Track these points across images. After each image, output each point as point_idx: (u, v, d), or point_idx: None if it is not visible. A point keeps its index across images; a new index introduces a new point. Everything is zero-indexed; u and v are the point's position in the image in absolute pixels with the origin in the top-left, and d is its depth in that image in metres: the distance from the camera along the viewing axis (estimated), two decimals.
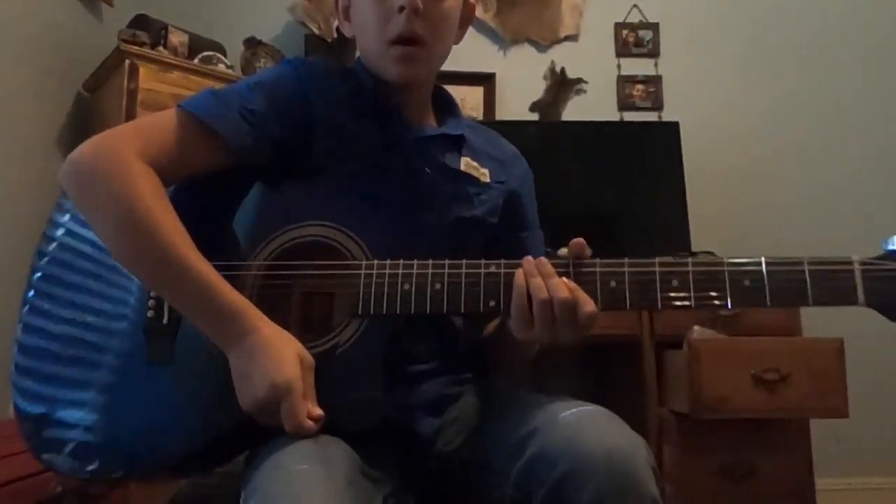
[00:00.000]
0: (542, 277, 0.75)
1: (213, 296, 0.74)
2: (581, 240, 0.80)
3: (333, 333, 0.78)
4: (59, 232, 0.90)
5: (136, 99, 2.00)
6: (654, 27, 2.75)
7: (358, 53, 0.98)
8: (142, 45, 2.08)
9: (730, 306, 0.74)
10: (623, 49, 2.75)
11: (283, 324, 0.76)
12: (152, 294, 0.82)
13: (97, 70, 2.20)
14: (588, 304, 0.74)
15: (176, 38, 2.24)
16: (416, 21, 0.87)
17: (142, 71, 2.03)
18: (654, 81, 2.71)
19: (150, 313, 0.81)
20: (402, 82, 0.91)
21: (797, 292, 0.72)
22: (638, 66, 2.73)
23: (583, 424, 0.69)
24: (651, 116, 2.67)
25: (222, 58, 2.32)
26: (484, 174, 0.97)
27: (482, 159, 0.99)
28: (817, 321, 1.88)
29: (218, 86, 2.23)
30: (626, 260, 0.79)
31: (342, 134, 0.89)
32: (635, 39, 2.75)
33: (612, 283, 0.77)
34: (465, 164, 0.96)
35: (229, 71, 2.28)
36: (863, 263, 0.72)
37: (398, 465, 0.82)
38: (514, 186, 1.02)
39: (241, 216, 0.85)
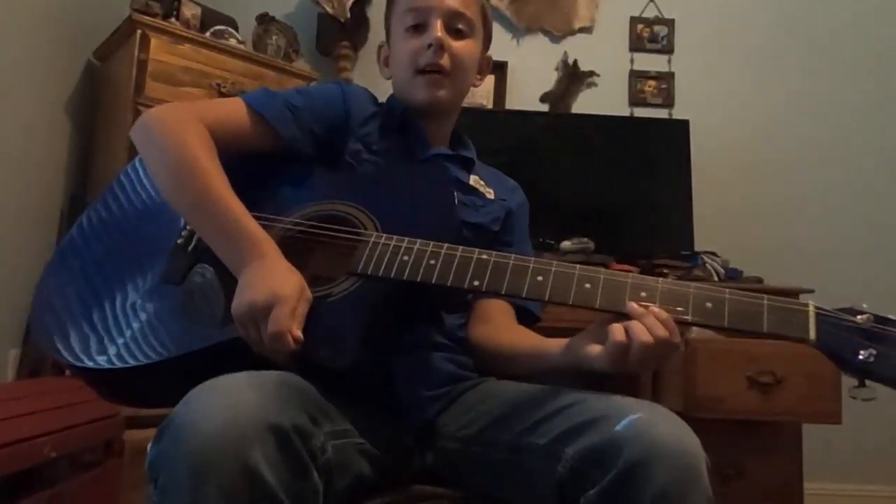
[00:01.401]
0: (638, 320, 0.77)
1: (239, 225, 0.86)
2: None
3: (330, 285, 0.85)
4: (126, 173, 1.07)
5: (146, 70, 1.99)
6: (670, 23, 2.73)
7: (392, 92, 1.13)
8: (154, 15, 2.07)
9: (690, 319, 0.77)
10: (637, 44, 2.73)
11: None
12: (187, 226, 0.95)
13: (108, 39, 2.19)
14: (676, 336, 0.77)
15: (189, 11, 2.23)
16: (441, 55, 1.04)
17: (153, 42, 2.02)
18: (666, 78, 2.70)
19: (179, 240, 0.93)
20: (429, 102, 1.06)
21: (752, 318, 0.75)
22: (651, 62, 2.72)
23: (655, 418, 0.73)
24: (661, 113, 2.66)
25: (234, 32, 2.31)
26: (489, 192, 1.13)
27: (487, 183, 1.14)
28: None
29: (228, 60, 2.23)
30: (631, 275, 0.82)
31: (370, 143, 1.05)
32: (650, 35, 2.73)
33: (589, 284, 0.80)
34: (474, 181, 1.12)
35: (241, 46, 2.27)
36: (818, 308, 0.75)
37: (378, 428, 0.87)
38: (513, 207, 1.15)
39: (280, 188, 1.00)
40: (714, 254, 2.18)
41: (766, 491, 1.79)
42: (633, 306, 0.77)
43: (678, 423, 0.74)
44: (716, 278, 2.09)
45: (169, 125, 0.93)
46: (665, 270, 2.06)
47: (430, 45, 1.04)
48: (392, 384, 0.91)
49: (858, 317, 0.72)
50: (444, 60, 1.04)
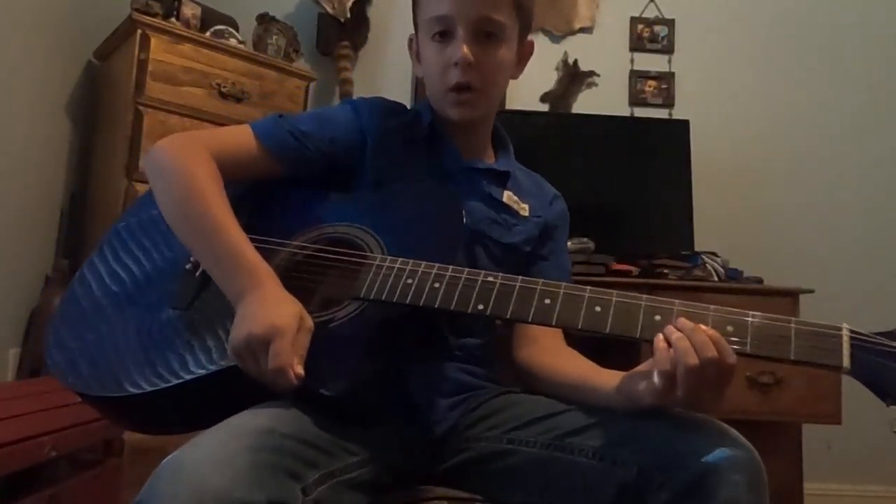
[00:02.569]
0: (687, 336, 0.71)
1: (237, 255, 0.85)
2: None
3: (334, 309, 0.84)
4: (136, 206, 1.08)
5: (147, 69, 2.00)
6: (670, 23, 2.73)
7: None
8: (154, 15, 2.07)
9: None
10: (637, 44, 2.73)
11: (299, 296, 0.83)
12: None
13: (108, 38, 2.20)
14: (731, 356, 0.70)
15: (189, 10, 2.23)
16: (469, 73, 0.99)
17: (153, 42, 2.02)
18: (666, 78, 2.70)
19: (188, 266, 0.93)
20: (460, 122, 1.04)
21: (778, 344, 0.70)
22: (651, 62, 2.72)
23: (723, 429, 0.76)
24: (661, 113, 2.66)
25: (234, 32, 2.31)
26: (524, 209, 1.09)
27: (524, 196, 1.10)
28: None
29: (228, 60, 2.23)
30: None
31: (389, 159, 1.02)
32: (650, 35, 2.73)
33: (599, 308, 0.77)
34: (507, 197, 1.07)
35: (241, 46, 2.27)
36: (853, 332, 0.68)
37: (396, 442, 0.87)
38: (550, 219, 1.12)
39: (289, 210, 1.00)
40: (714, 254, 2.18)
41: None
42: (676, 326, 0.72)
43: (740, 436, 0.76)
44: (715, 278, 2.09)
45: (175, 155, 0.94)
46: (665, 270, 2.06)
47: (456, 63, 0.98)
48: (408, 395, 0.91)
49: None
50: (473, 78, 0.99)
